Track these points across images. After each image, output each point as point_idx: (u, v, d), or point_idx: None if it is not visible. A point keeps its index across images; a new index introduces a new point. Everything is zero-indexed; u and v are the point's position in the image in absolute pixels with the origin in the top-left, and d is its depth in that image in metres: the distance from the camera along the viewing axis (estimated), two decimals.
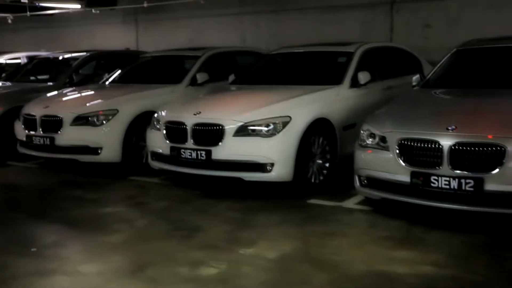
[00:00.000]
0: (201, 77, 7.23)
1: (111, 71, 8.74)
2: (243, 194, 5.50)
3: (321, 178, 5.65)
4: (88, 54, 9.06)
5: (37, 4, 10.38)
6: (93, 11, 10.59)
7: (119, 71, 8.13)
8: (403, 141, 4.34)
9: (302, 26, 10.28)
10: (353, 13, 9.77)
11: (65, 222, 4.85)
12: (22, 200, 5.73)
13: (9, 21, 11.00)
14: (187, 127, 5.46)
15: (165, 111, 5.95)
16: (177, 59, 8.15)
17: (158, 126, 5.87)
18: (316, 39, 9.06)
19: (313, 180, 5.54)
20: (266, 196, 5.44)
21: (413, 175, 4.24)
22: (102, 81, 7.99)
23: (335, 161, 5.80)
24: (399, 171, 4.33)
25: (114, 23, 12.30)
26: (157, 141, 5.81)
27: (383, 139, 4.56)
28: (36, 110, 6.74)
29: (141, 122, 6.51)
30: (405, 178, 4.29)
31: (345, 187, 5.60)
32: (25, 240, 4.44)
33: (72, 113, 6.46)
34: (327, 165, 5.70)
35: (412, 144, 4.29)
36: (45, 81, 8.92)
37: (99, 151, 6.36)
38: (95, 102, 6.69)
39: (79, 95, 7.29)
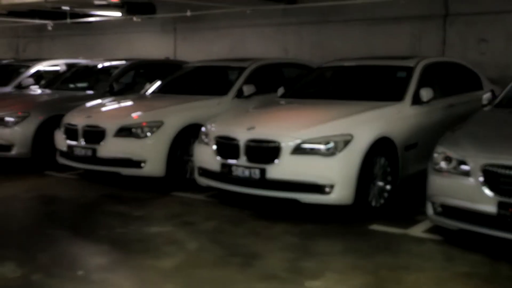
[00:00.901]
0: (247, 89, 6.89)
1: (150, 80, 8.49)
2: (297, 216, 5.11)
3: (382, 201, 5.23)
4: (128, 62, 8.82)
5: (78, 11, 10.22)
6: (134, 19, 10.37)
7: (161, 81, 7.85)
8: (489, 167, 3.90)
9: (346, 38, 9.89)
10: (401, 25, 9.34)
11: (112, 242, 4.52)
12: (64, 214, 5.43)
13: (49, 28, 10.88)
14: (240, 143, 5.11)
15: (215, 124, 5.61)
16: (222, 70, 7.85)
17: (206, 141, 5.54)
18: (362, 52, 8.66)
19: (373, 204, 5.12)
20: (324, 220, 5.03)
21: (500, 205, 3.80)
22: (144, 91, 7.71)
23: (396, 183, 5.38)
24: (483, 200, 3.89)
25: (152, 32, 12.10)
26: (206, 156, 5.48)
27: (461, 163, 4.12)
28: (78, 119, 6.47)
29: (186, 135, 6.21)
30: (490, 208, 3.85)
31: (408, 211, 5.19)
32: (71, 262, 4.13)
33: (115, 124, 6.17)
34: (388, 187, 5.28)
35: (499, 171, 3.85)
36: (84, 89, 8.73)
37: (143, 165, 6.05)
38: (139, 113, 6.39)
39: (122, 105, 7.01)
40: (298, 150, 4.89)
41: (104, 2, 9.37)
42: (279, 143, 4.92)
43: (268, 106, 6.19)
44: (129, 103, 7.07)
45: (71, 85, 8.95)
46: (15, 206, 5.76)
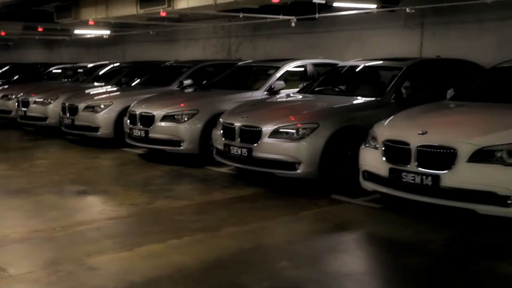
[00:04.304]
0: None
1: (424, 84, 6.97)
2: None
3: None
4: (405, 63, 7.18)
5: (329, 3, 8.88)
6: (408, 10, 8.81)
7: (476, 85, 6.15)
8: None
9: None
10: None
11: None
12: (435, 276, 3.86)
13: (293, 24, 9.79)
14: None
15: None
16: None
17: None
18: None
19: None
20: None
21: None
22: (449, 97, 6.04)
23: None
24: None
25: (390, 28, 10.46)
26: None
27: None
28: (409, 136, 4.97)
29: None
30: None
31: None
32: None
33: (474, 145, 4.57)
34: None
35: None
36: (350, 93, 7.41)
37: None
38: None
39: (473, 117, 5.42)
40: None
41: None
42: None
43: None
44: (480, 114, 5.45)
45: (336, 89, 7.64)
46: (352, 258, 4.39)
